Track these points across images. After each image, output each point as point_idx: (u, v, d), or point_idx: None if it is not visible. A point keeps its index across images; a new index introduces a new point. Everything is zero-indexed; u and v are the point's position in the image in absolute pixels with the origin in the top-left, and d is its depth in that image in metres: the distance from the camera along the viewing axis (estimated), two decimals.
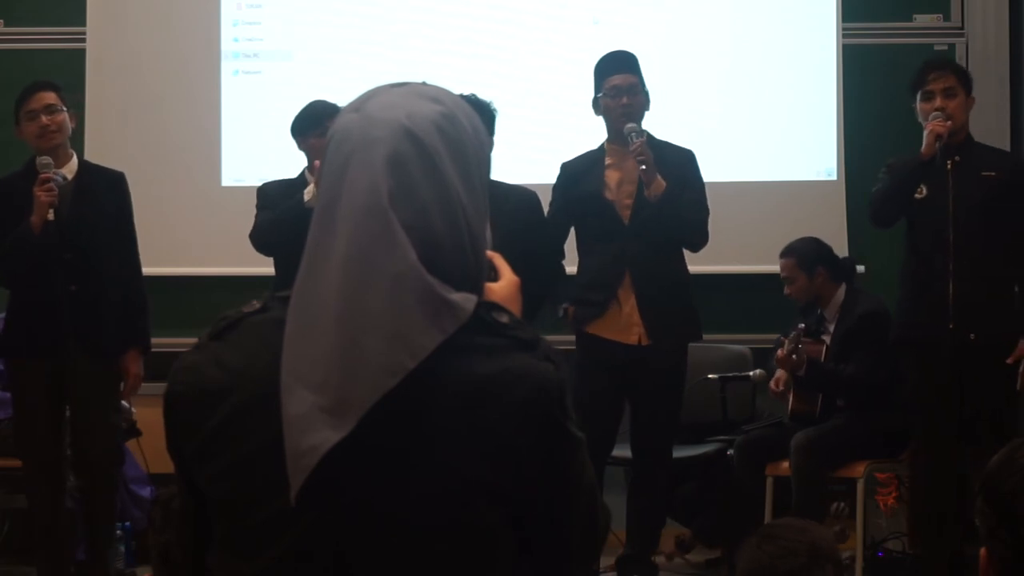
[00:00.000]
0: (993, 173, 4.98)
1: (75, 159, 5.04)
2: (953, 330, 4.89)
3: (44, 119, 4.92)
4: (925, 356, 4.97)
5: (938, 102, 4.95)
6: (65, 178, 4.89)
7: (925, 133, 4.91)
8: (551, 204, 5.28)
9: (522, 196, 5.03)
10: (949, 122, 4.90)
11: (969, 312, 4.89)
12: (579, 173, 5.23)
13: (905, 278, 5.10)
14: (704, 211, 5.19)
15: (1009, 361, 4.92)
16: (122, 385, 5.01)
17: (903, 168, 4.98)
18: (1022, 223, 4.99)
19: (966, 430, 4.95)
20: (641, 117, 5.16)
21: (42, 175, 4.80)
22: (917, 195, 4.96)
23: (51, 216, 4.76)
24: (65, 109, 4.99)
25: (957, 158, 4.96)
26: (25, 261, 4.82)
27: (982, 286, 4.91)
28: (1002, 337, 4.94)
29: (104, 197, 5.01)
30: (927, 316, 4.95)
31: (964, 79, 5.06)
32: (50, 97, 4.96)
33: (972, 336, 4.89)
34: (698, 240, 5.20)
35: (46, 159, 4.86)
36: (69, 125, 5.00)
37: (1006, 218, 4.96)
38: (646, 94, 5.20)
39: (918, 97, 5.02)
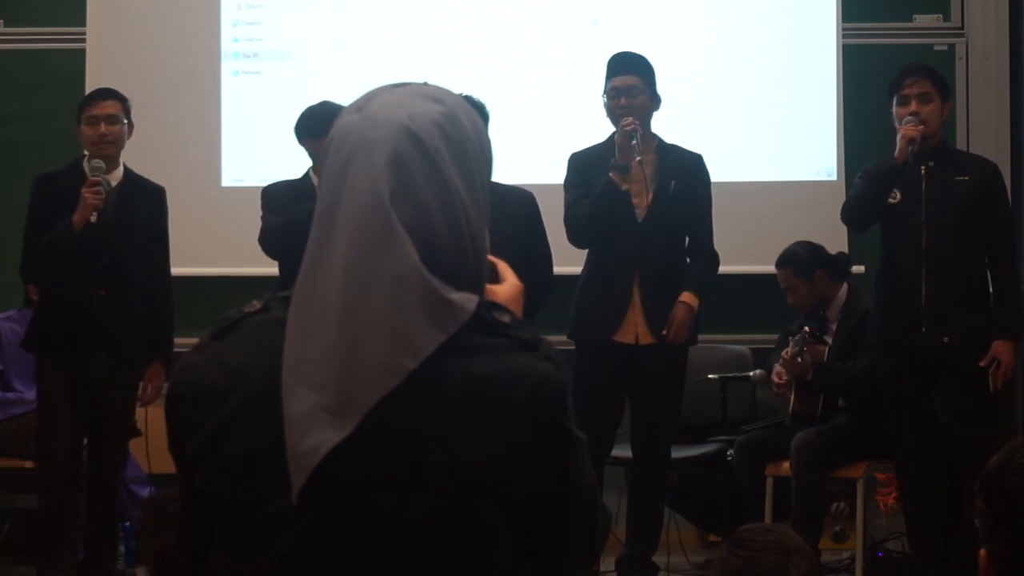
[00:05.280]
0: (967, 178, 5.01)
1: (122, 168, 5.15)
2: (926, 334, 4.92)
3: (104, 128, 5.04)
4: (905, 362, 5.00)
5: (913, 107, 4.98)
6: (110, 185, 5.00)
7: (898, 138, 4.93)
8: (572, 191, 5.23)
9: (521, 197, 5.02)
10: (922, 127, 4.92)
11: (942, 316, 4.91)
12: (590, 165, 5.21)
13: (880, 283, 5.12)
14: (709, 237, 5.24)
15: (983, 364, 4.94)
16: (139, 391, 5.12)
17: (876, 173, 5.00)
18: (995, 227, 5.03)
19: (942, 433, 5.03)
20: (644, 118, 5.15)
21: (92, 177, 4.92)
22: (891, 200, 4.99)
23: (93, 219, 4.86)
24: (125, 121, 5.10)
25: (931, 163, 4.98)
26: (61, 259, 4.91)
27: (955, 290, 4.94)
28: (975, 340, 4.95)
29: (143, 208, 5.14)
30: (901, 321, 4.97)
31: (940, 85, 5.08)
32: (114, 107, 5.09)
33: (945, 340, 4.92)
34: (715, 271, 5.29)
35: (99, 162, 4.99)
36: (125, 136, 5.12)
37: (980, 223, 4.99)
38: (653, 96, 5.19)
39: (894, 101, 5.04)
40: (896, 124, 5.04)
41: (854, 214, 5.15)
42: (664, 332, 5.08)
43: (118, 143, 5.09)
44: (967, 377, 4.96)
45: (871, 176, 5.04)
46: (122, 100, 5.12)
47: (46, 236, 4.94)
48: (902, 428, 5.05)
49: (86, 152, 5.10)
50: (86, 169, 5.02)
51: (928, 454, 5.05)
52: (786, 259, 5.52)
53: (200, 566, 1.54)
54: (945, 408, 5.07)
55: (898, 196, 4.99)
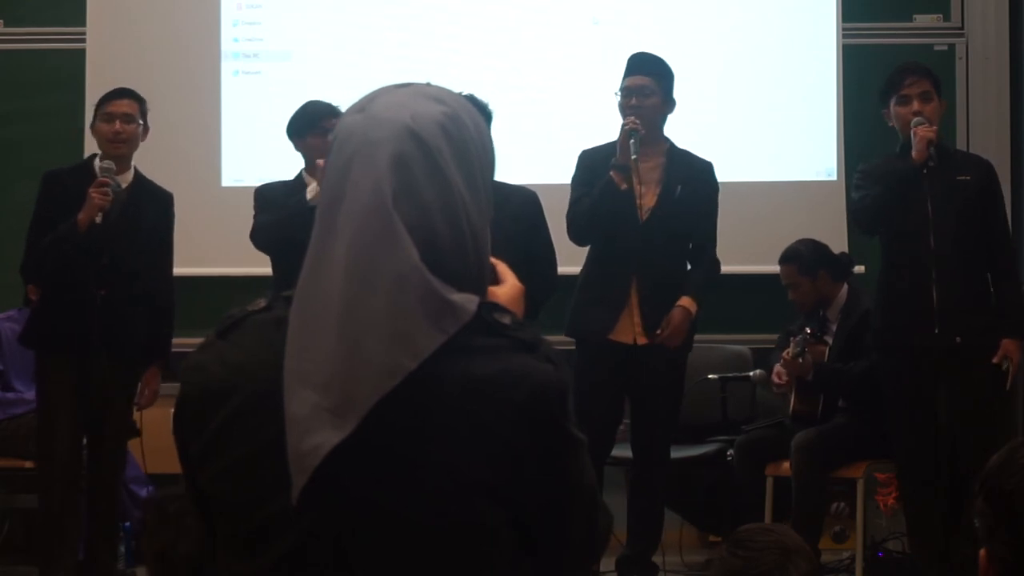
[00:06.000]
0: (968, 177, 5.03)
1: (133, 170, 5.15)
2: (939, 335, 4.92)
3: (118, 125, 5.05)
4: (907, 362, 5.00)
5: (915, 106, 4.98)
6: (120, 186, 5.00)
7: (915, 140, 4.92)
8: (577, 188, 5.22)
9: (524, 197, 5.02)
10: (935, 127, 4.94)
11: (954, 316, 4.92)
12: (598, 164, 5.21)
13: (883, 284, 5.11)
14: (712, 243, 5.22)
15: (995, 361, 4.95)
16: (137, 393, 5.13)
17: (894, 174, 4.99)
18: (995, 227, 5.06)
19: (942, 433, 5.04)
20: (655, 120, 5.15)
21: (100, 178, 4.92)
22: None
23: (98, 219, 4.85)
24: (141, 122, 5.11)
25: (931, 164, 4.98)
26: (63, 258, 4.91)
27: (956, 290, 4.95)
28: (978, 340, 4.96)
29: (150, 212, 5.14)
30: (912, 322, 4.97)
31: (937, 84, 5.09)
32: (130, 106, 5.10)
33: (958, 339, 4.93)
34: (715, 277, 5.27)
35: (109, 163, 4.99)
36: (139, 137, 5.12)
37: (979, 222, 5.01)
38: (666, 99, 5.18)
39: (892, 101, 5.03)
40: (892, 124, 5.05)
41: (867, 215, 5.10)
42: (658, 332, 5.08)
43: (131, 143, 5.09)
44: (970, 377, 4.96)
45: (890, 178, 5.00)
46: (140, 101, 5.14)
47: (49, 236, 4.94)
48: (902, 428, 5.05)
49: (98, 152, 5.10)
50: (96, 168, 5.01)
51: (928, 454, 5.05)
52: (790, 256, 5.52)
53: (202, 566, 1.55)
54: (946, 408, 5.07)
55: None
